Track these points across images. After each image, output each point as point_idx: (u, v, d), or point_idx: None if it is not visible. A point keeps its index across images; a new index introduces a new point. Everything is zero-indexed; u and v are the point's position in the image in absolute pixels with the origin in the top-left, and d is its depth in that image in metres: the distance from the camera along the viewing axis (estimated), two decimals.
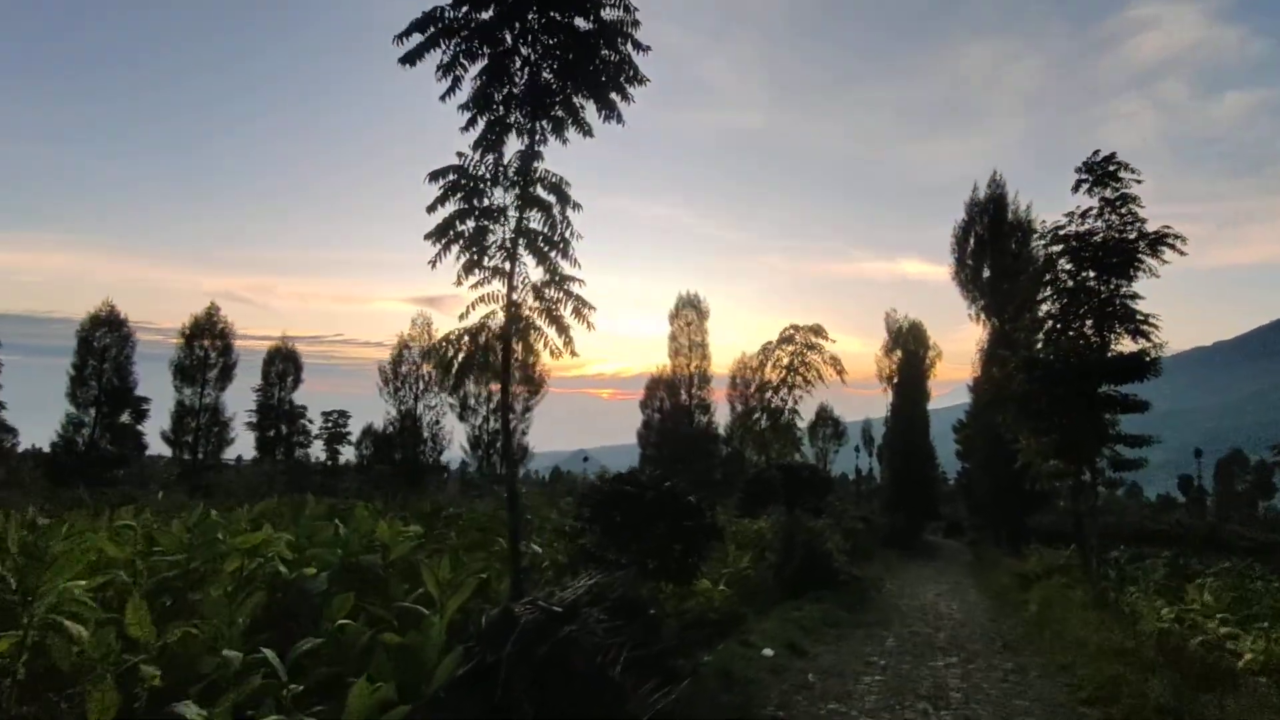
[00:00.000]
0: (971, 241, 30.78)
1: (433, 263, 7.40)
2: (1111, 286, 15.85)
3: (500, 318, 7.26)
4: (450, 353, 7.24)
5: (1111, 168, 16.04)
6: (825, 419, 57.07)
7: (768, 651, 8.36)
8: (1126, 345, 15.38)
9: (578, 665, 5.48)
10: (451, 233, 7.27)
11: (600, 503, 8.56)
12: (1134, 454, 15.03)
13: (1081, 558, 16.43)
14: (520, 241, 7.34)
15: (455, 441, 40.83)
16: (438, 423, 39.61)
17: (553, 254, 7.39)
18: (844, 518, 24.83)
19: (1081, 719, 6.74)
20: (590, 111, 7.47)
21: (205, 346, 38.83)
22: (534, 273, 7.46)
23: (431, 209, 7.32)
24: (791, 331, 16.47)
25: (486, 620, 5.76)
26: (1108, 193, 16.17)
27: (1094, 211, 16.29)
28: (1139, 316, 15.47)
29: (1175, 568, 16.25)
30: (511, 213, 7.39)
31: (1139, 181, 15.88)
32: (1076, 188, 16.61)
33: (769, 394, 16.49)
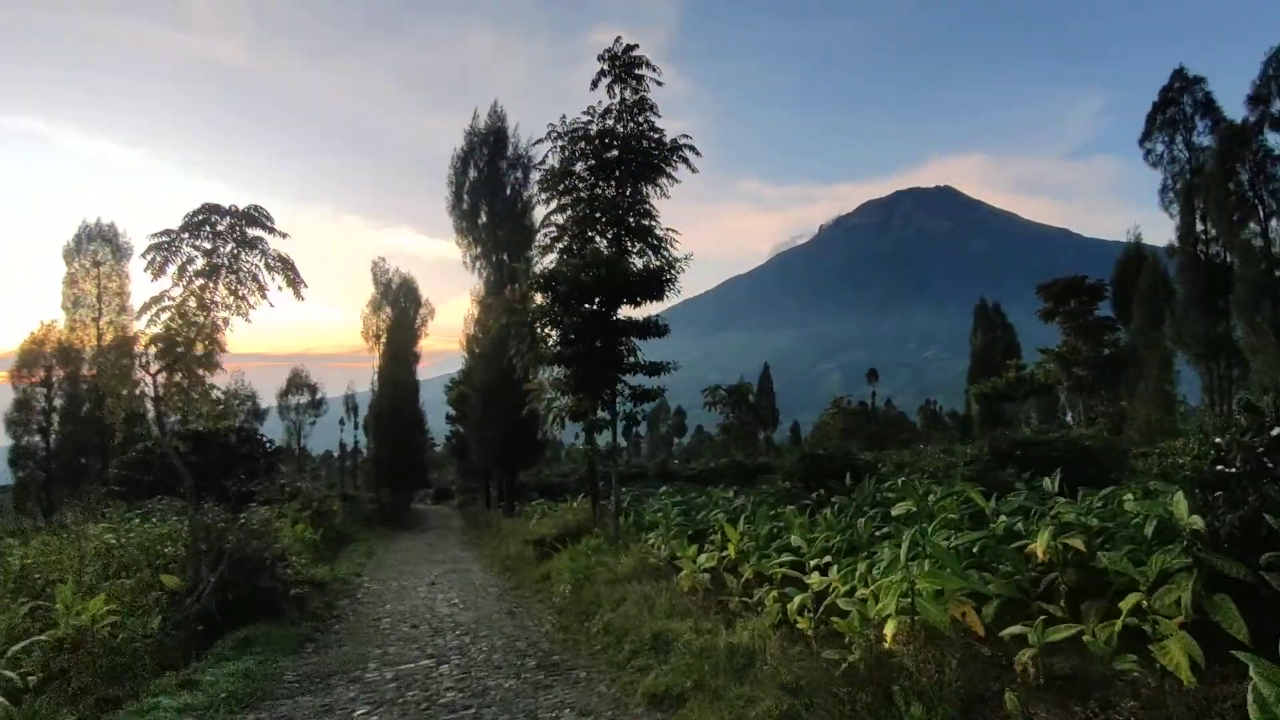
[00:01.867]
0: (471, 173, 27.69)
1: None
2: (630, 197, 13.81)
3: None
4: None
5: (632, 61, 13.92)
6: (298, 386, 49.16)
7: None
8: (645, 264, 13.50)
9: None
10: None
11: None
12: (652, 383, 13.14)
13: (593, 508, 14.22)
14: None
15: None
16: None
17: None
18: (314, 499, 19.28)
19: None
20: None
21: None
22: None
23: None
24: (208, 215, 10.29)
25: None
26: (628, 93, 14.07)
27: (613, 113, 14.05)
28: (657, 231, 13.73)
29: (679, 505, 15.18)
30: None
31: (659, 84, 14.11)
32: (595, 83, 14.15)
33: (170, 313, 10.06)
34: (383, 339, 43.30)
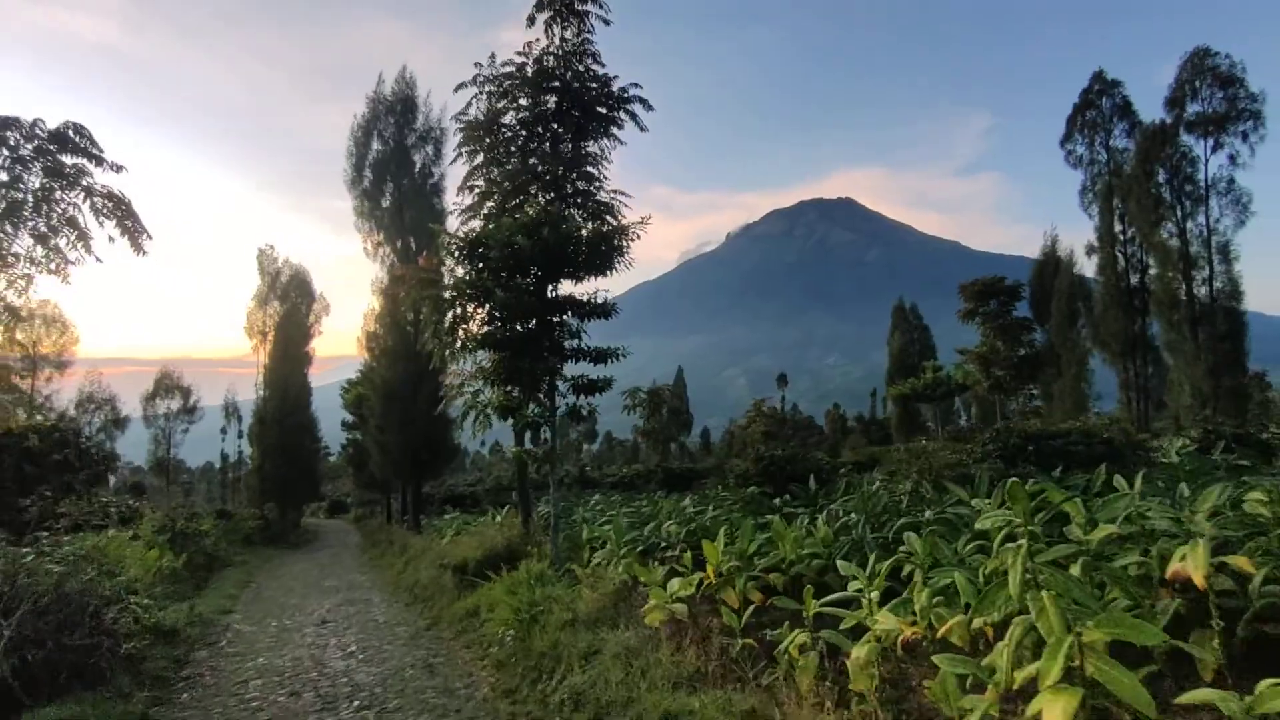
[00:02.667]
0: (375, 145, 24.62)
1: None
2: (570, 154, 11.68)
3: None
4: None
5: None
6: (168, 389, 44.01)
7: None
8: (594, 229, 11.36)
9: None
10: None
11: None
12: (598, 373, 11.00)
13: (524, 523, 11.93)
14: None
15: None
16: None
17: None
18: (176, 517, 16.02)
19: None
20: None
21: None
22: None
23: None
24: (8, 134, 7.53)
25: None
26: (569, 33, 11.96)
27: (550, 58, 11.88)
28: (601, 196, 11.65)
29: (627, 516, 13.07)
30: None
31: (607, 23, 12.04)
32: (532, 18, 11.98)
33: None
34: (270, 336, 39.25)
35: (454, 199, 12.43)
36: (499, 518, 14.54)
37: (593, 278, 11.02)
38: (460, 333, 10.90)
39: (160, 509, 18.58)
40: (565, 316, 10.83)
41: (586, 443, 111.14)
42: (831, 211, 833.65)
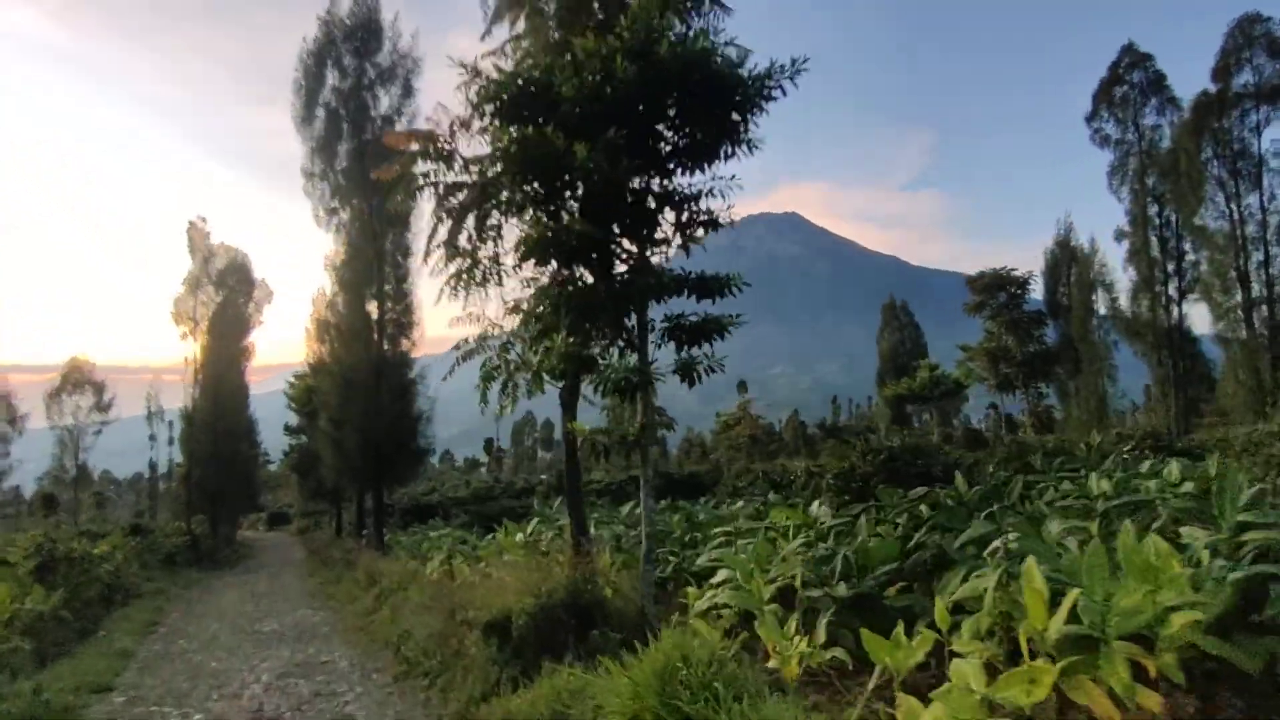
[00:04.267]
0: (330, 78, 20.11)
1: None
2: None
3: None
4: None
5: None
6: (78, 384, 38.22)
7: None
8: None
9: None
10: None
11: None
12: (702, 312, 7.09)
13: (584, 546, 7.92)
14: None
15: None
16: None
17: None
18: (58, 537, 11.54)
19: None
20: None
21: None
22: None
23: None
24: None
25: None
26: None
27: None
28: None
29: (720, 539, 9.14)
30: None
31: None
32: None
33: None
34: (203, 326, 34.04)
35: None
36: (524, 535, 10.44)
37: (689, 173, 7.15)
38: (491, 243, 6.91)
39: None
40: (661, 220, 6.95)
41: (544, 450, 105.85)
42: (778, 225, 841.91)
